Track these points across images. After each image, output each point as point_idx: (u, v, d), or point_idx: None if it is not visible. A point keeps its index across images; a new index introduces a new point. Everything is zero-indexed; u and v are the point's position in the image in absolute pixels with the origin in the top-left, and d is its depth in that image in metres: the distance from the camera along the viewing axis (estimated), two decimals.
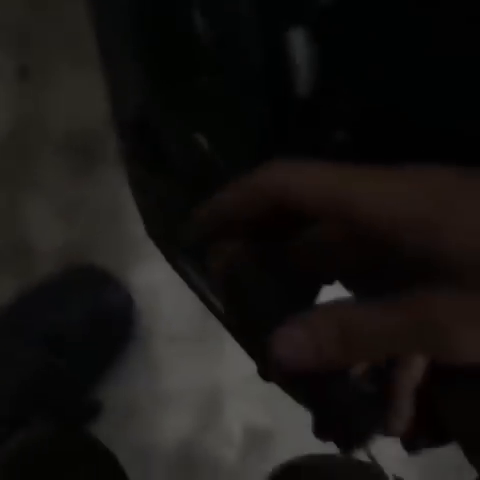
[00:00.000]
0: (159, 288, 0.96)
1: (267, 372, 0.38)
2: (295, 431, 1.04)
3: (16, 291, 0.89)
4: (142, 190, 0.52)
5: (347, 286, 0.39)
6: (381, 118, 0.41)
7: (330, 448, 0.73)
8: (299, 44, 0.40)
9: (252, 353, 0.46)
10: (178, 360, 0.97)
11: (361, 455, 0.44)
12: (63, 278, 0.89)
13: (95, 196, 0.93)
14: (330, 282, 0.40)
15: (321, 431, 0.38)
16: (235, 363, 1.01)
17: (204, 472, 0.98)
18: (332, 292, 0.40)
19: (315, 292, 0.44)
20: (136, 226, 0.95)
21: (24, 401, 0.80)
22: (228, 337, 0.99)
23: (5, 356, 0.83)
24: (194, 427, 0.99)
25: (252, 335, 0.38)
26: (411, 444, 0.44)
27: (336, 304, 0.33)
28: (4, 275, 0.91)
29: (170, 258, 0.58)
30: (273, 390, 1.00)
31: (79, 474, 0.70)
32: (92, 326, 0.87)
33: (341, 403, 0.36)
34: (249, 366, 1.01)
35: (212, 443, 1.00)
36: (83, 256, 0.92)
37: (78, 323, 0.86)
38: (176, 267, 0.58)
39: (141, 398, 0.95)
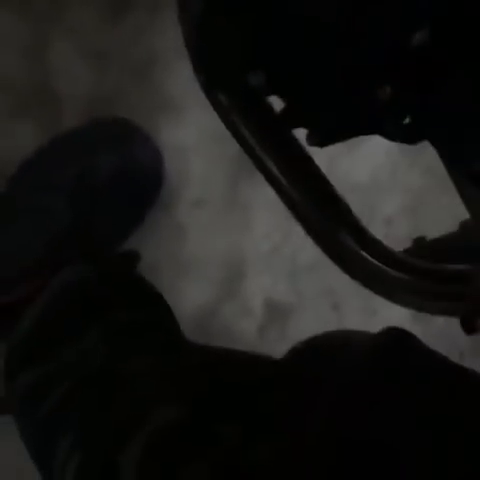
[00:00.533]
0: (189, 151, 0.92)
1: None
2: (316, 309, 1.04)
3: (39, 139, 0.85)
4: (200, 26, 0.47)
5: None
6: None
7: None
8: None
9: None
10: (203, 226, 0.95)
11: None
12: (92, 129, 0.86)
13: (127, 46, 0.88)
14: None
15: None
16: (262, 234, 0.99)
17: (220, 342, 0.98)
18: None
19: None
20: (169, 83, 0.92)
21: (55, 253, 0.79)
22: (257, 207, 0.98)
23: (31, 208, 0.81)
24: (214, 297, 0.98)
25: None
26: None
27: None
28: (25, 120, 0.87)
29: (219, 108, 0.54)
30: (298, 266, 0.99)
31: (126, 310, 0.69)
32: (121, 179, 0.85)
33: None
34: (275, 239, 0.99)
35: (231, 314, 0.99)
36: (111, 110, 0.88)
37: (107, 175, 0.84)
38: (226, 119, 0.54)
39: (162, 263, 0.93)
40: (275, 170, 0.54)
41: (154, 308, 0.72)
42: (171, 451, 0.49)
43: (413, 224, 1.05)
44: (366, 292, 0.57)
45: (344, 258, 0.56)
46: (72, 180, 0.82)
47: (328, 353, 0.61)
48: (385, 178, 1.05)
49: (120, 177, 0.85)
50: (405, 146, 0.42)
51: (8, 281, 0.77)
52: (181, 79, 0.88)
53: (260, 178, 0.55)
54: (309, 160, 0.55)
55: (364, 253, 0.56)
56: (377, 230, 1.07)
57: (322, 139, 0.44)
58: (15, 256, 0.79)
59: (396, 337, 0.51)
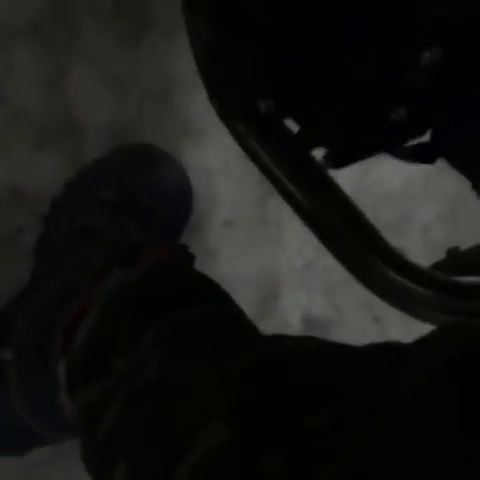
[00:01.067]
0: (215, 173, 0.91)
1: None
2: (356, 322, 1.02)
3: (65, 171, 0.85)
4: (210, 55, 0.46)
5: None
6: None
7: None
8: None
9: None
10: (235, 246, 0.94)
11: None
12: (117, 156, 0.85)
13: (146, 71, 0.87)
14: None
15: None
16: (295, 251, 0.97)
17: None
18: None
19: None
20: (190, 106, 0.91)
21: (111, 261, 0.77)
22: (288, 223, 0.96)
23: (79, 231, 0.80)
24: (251, 316, 0.96)
25: None
26: None
27: None
28: (50, 153, 0.86)
29: (236, 133, 0.53)
30: (334, 281, 0.98)
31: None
32: (151, 203, 0.84)
33: None
34: (309, 255, 0.98)
35: (269, 333, 0.98)
36: (134, 136, 0.87)
37: (138, 199, 0.83)
38: (243, 144, 0.53)
39: None
40: (297, 194, 0.53)
41: (217, 302, 0.68)
42: None
43: (451, 231, 1.03)
44: None
45: (372, 280, 0.55)
46: (109, 204, 0.81)
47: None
48: (418, 185, 1.02)
49: (151, 201, 0.84)
50: None
51: (73, 290, 0.75)
52: (202, 101, 0.86)
53: None
54: (330, 181, 0.54)
55: (392, 274, 0.54)
56: (414, 240, 1.05)
57: (338, 161, 0.43)
58: (76, 272, 0.77)
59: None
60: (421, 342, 0.46)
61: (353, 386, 0.45)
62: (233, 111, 0.48)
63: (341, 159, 0.43)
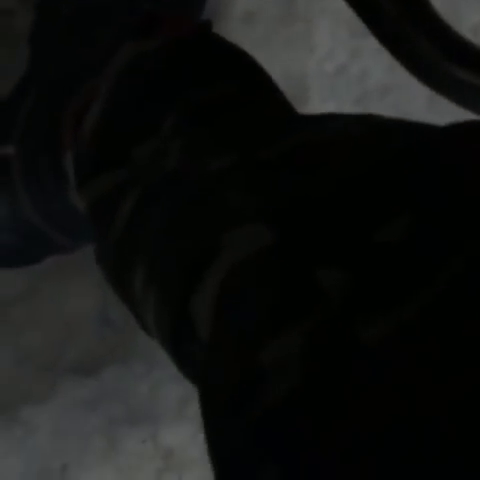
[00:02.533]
0: None
1: None
2: None
3: None
4: None
5: None
6: None
7: None
8: None
9: None
10: (256, 42, 0.83)
11: None
12: None
13: None
14: None
15: None
16: (325, 53, 0.87)
17: None
18: None
19: None
20: None
21: None
22: (319, 20, 0.85)
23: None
24: None
25: None
26: None
27: None
28: None
29: None
30: (368, 90, 0.88)
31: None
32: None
33: None
34: (341, 58, 0.87)
35: None
36: None
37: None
38: None
39: None
40: None
41: (250, 77, 0.56)
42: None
43: None
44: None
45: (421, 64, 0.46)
46: None
47: None
48: None
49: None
50: None
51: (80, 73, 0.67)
52: None
53: None
54: None
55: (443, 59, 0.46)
56: None
57: None
58: (83, 52, 0.69)
59: None
60: None
61: (436, 188, 0.34)
62: None
63: None
